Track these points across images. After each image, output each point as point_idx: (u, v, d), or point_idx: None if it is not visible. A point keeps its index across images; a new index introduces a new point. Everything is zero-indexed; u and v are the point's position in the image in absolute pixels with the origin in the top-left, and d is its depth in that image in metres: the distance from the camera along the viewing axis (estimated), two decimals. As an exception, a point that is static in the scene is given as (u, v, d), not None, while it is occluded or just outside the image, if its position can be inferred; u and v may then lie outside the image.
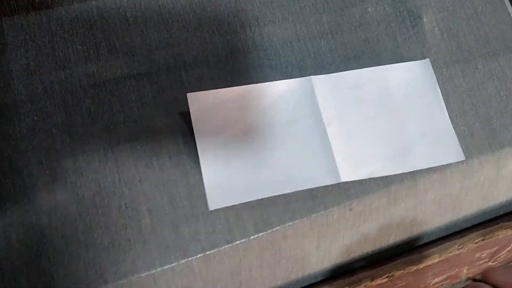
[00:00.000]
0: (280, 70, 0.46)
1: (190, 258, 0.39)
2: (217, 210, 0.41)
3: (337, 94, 0.45)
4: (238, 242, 0.40)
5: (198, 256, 0.40)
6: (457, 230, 0.52)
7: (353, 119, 0.45)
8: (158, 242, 0.39)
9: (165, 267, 0.39)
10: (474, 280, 0.31)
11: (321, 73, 0.46)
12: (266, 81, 0.45)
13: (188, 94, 0.43)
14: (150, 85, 0.43)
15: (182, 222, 0.40)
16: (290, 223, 0.42)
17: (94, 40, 0.44)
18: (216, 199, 0.41)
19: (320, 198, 0.43)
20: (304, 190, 0.42)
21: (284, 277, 0.46)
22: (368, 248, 0.48)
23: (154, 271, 0.39)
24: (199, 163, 0.41)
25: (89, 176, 0.40)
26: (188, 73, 0.44)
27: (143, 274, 0.39)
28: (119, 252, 0.39)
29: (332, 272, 0.48)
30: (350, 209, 0.43)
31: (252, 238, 0.41)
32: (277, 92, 0.45)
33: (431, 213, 0.48)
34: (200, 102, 0.43)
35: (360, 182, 0.43)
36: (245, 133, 0.43)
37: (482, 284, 0.30)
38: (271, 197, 0.41)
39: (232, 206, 0.41)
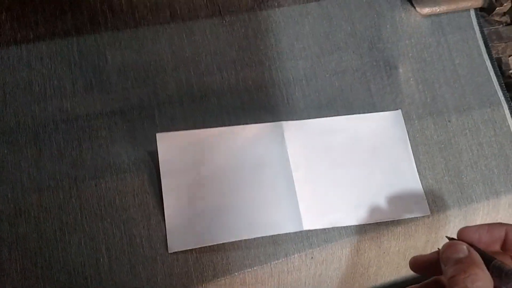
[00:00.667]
0: (253, 114, 0.47)
1: (145, 300, 0.39)
2: (176, 253, 0.41)
3: (307, 140, 0.46)
4: (195, 286, 0.40)
5: (154, 298, 0.40)
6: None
7: (321, 166, 0.45)
8: (114, 282, 0.39)
9: (119, 308, 0.39)
10: (450, 239, 0.32)
11: (293, 119, 0.47)
12: (238, 124, 0.46)
13: (158, 134, 0.43)
14: (122, 123, 0.44)
15: (140, 263, 0.40)
16: (249, 269, 0.42)
17: (71, 76, 0.45)
18: (176, 241, 0.41)
19: (282, 245, 0.43)
20: (266, 236, 0.42)
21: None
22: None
23: (107, 311, 0.39)
24: (162, 204, 0.42)
25: (53, 211, 0.41)
26: (161, 112, 0.45)
27: (97, 314, 0.39)
28: (74, 290, 0.39)
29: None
30: (312, 258, 0.43)
31: (210, 284, 0.41)
32: (248, 136, 0.45)
33: (396, 264, 0.47)
34: (169, 142, 0.43)
35: (323, 230, 0.43)
36: (212, 175, 0.43)
37: (458, 242, 0.30)
38: (232, 242, 0.41)
39: (192, 249, 0.41)
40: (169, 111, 0.45)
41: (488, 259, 0.29)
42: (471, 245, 0.30)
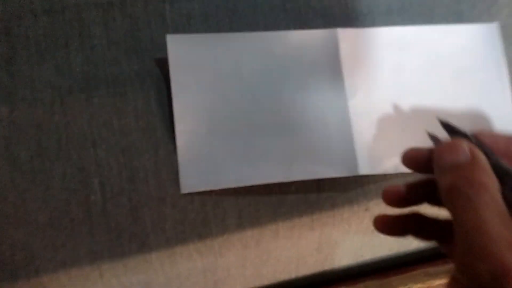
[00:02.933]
0: (297, 17, 0.35)
1: (149, 252, 0.30)
2: (191, 194, 0.31)
3: (369, 56, 0.34)
4: (214, 237, 0.31)
5: (161, 250, 0.31)
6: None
7: (386, 92, 0.34)
8: (109, 226, 0.30)
9: (115, 260, 0.30)
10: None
11: (351, 26, 0.34)
12: (276, 30, 0.34)
13: (168, 36, 0.32)
14: (122, 19, 0.33)
15: (143, 205, 0.31)
16: (284, 220, 0.32)
17: (54, -50, 0.33)
18: (191, 179, 0.31)
19: (328, 192, 0.33)
20: (308, 180, 0.32)
21: (273, 277, 0.37)
22: (382, 252, 0.38)
23: (101, 263, 0.30)
24: (173, 130, 0.31)
25: (29, 131, 0.31)
26: (174, 7, 0.33)
27: (87, 267, 0.30)
28: (58, 234, 0.30)
29: (333, 275, 0.39)
30: (366, 209, 0.33)
31: (233, 235, 0.31)
32: (289, 45, 0.33)
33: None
34: (184, 47, 0.32)
35: (384, 176, 0.33)
36: (240, 95, 0.32)
37: (458, 141, 0.22)
38: (263, 185, 0.31)
39: (211, 190, 0.31)
40: (184, 6, 0.33)
41: (499, 166, 0.21)
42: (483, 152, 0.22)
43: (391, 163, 0.33)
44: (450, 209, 0.21)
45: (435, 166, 0.23)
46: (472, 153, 0.22)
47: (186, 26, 0.33)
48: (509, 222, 0.20)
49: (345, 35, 0.34)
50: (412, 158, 0.25)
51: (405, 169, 0.33)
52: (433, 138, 0.25)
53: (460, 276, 0.20)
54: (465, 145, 0.22)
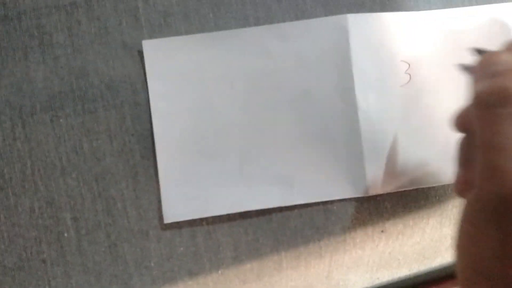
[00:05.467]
0: (294, 5, 0.29)
1: (133, 293, 0.27)
2: (178, 225, 0.27)
3: (382, 46, 0.29)
4: (207, 274, 0.27)
5: (146, 290, 0.27)
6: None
7: (399, 93, 0.29)
8: (86, 267, 0.26)
9: (95, 305, 0.26)
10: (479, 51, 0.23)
11: (359, 12, 0.29)
12: (270, 23, 0.29)
13: (144, 42, 0.27)
14: (88, 22, 0.28)
15: (123, 240, 0.27)
16: (287, 249, 0.28)
17: None
18: (176, 207, 0.27)
19: (337, 213, 0.28)
20: (313, 202, 0.27)
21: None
22: (401, 273, 0.34)
23: (79, 308, 0.26)
24: (153, 151, 0.27)
25: (-12, 161, 0.27)
26: (148, 3, 0.28)
27: (63, 312, 0.26)
28: (29, 278, 0.26)
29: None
30: (382, 231, 0.29)
31: (229, 269, 0.27)
32: (287, 41, 0.28)
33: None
34: (163, 54, 0.27)
35: (401, 192, 0.28)
36: (230, 105, 0.27)
37: (495, 52, 0.21)
38: (261, 209, 0.27)
39: (201, 219, 0.27)
40: (161, 2, 0.28)
41: None
42: None
43: (406, 178, 0.28)
44: (475, 121, 0.19)
45: (474, 78, 0.21)
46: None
47: (163, 26, 0.28)
48: None
49: (356, 22, 0.28)
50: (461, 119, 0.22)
51: (423, 183, 0.28)
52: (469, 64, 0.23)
53: (471, 198, 0.19)
54: (505, 56, 0.21)
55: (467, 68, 0.23)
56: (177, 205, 0.26)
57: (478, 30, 0.30)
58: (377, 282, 0.33)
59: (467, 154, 0.22)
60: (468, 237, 0.19)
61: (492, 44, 0.26)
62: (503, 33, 0.30)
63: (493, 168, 0.18)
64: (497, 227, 0.18)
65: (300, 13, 0.29)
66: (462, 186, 0.22)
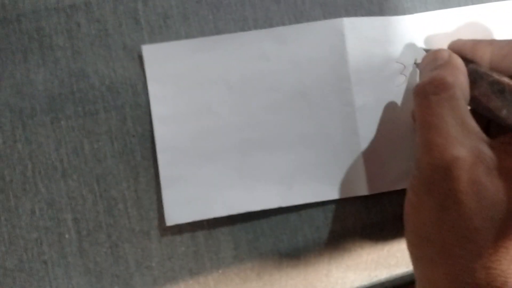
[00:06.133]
0: (293, 8, 0.30)
1: (135, 293, 0.27)
2: (179, 225, 0.27)
3: (379, 50, 0.29)
4: (208, 273, 0.27)
5: (147, 290, 0.27)
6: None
7: (399, 91, 0.29)
8: (87, 267, 0.27)
9: (97, 305, 0.27)
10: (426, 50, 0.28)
11: (357, 12, 0.29)
12: (269, 26, 0.29)
13: (144, 47, 0.27)
14: (88, 24, 0.28)
15: (125, 241, 0.27)
16: (288, 247, 0.28)
17: None
18: (177, 210, 0.27)
19: (336, 212, 0.28)
20: (312, 203, 0.28)
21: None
22: (399, 270, 0.34)
23: (80, 309, 0.26)
24: (154, 152, 0.27)
25: (-11, 163, 0.27)
26: (148, 5, 0.29)
27: (65, 313, 0.26)
28: (30, 279, 0.26)
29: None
30: (381, 229, 0.29)
31: (231, 269, 0.28)
32: (286, 44, 0.29)
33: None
34: (163, 58, 0.28)
35: (400, 190, 0.29)
36: (229, 107, 0.28)
37: (440, 49, 0.26)
38: (262, 210, 0.27)
39: (202, 220, 0.27)
40: (161, 4, 0.29)
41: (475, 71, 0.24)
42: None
43: (404, 177, 0.28)
44: (415, 107, 0.23)
45: (420, 73, 0.26)
46: (449, 57, 0.24)
47: (163, 28, 0.28)
48: (464, 122, 0.21)
49: (352, 25, 0.29)
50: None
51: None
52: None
53: (415, 171, 0.22)
54: (445, 52, 0.24)
55: (417, 65, 0.27)
56: (178, 208, 0.26)
57: (473, 30, 0.30)
58: (375, 279, 0.34)
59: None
60: (412, 205, 0.22)
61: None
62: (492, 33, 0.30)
63: (427, 143, 0.21)
64: (433, 195, 0.20)
65: (298, 14, 0.29)
66: None
